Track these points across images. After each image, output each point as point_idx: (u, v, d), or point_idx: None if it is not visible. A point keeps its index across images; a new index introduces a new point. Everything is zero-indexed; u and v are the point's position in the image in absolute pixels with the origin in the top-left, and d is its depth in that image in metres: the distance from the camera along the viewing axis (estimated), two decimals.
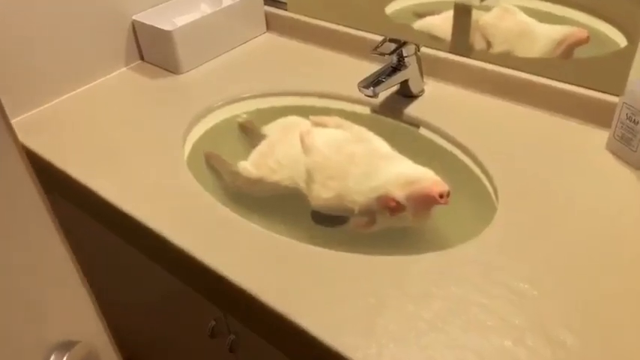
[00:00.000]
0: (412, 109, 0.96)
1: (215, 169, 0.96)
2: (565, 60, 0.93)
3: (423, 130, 0.94)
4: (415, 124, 0.95)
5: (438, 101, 0.97)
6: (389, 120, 0.98)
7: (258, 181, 0.88)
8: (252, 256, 0.70)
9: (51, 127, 0.99)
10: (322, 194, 0.81)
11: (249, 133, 1.01)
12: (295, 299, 0.64)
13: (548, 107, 0.91)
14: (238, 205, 0.90)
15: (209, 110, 1.01)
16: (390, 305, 0.63)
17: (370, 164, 0.80)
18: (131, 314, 1.18)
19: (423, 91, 0.98)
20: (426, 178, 0.76)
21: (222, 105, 1.02)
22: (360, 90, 0.89)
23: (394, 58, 0.92)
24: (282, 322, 0.63)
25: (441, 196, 0.73)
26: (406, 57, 0.92)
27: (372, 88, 0.88)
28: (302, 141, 0.86)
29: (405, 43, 0.90)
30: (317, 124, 0.90)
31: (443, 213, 0.80)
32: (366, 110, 1.00)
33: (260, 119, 1.02)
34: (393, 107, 0.97)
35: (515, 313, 0.61)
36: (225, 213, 0.78)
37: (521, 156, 0.83)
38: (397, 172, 0.78)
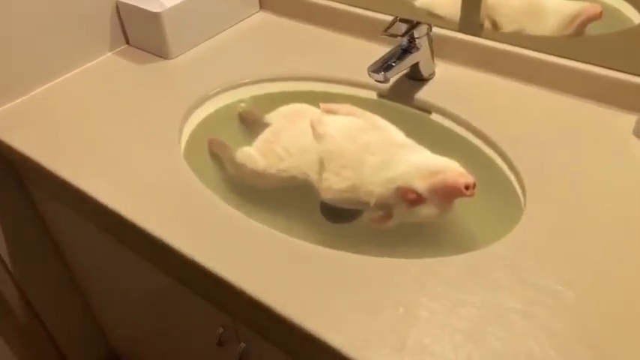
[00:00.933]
0: (423, 94, 0.90)
1: (218, 158, 0.90)
2: (582, 37, 0.88)
3: (435, 116, 0.89)
4: (426, 109, 0.89)
5: (450, 84, 0.91)
6: (398, 105, 0.92)
7: (264, 171, 0.82)
8: (263, 262, 0.65)
9: (32, 121, 0.91)
10: (335, 185, 0.76)
11: (250, 123, 0.94)
12: (319, 312, 0.59)
13: (567, 89, 0.86)
14: (242, 200, 0.84)
15: (204, 99, 0.94)
16: (421, 315, 0.58)
17: (387, 153, 0.75)
18: (132, 321, 1.12)
19: (433, 73, 0.92)
20: (450, 168, 0.71)
21: (218, 92, 0.95)
22: (370, 75, 0.83)
23: (404, 39, 0.86)
24: (306, 338, 0.58)
25: (467, 188, 0.68)
26: (417, 38, 0.85)
27: (382, 73, 0.82)
28: (314, 128, 0.80)
29: (417, 24, 0.84)
30: (327, 112, 0.84)
31: (464, 207, 0.75)
32: (372, 95, 0.94)
33: (259, 107, 0.95)
34: (402, 91, 0.91)
35: (555, 319, 0.57)
36: (230, 212, 0.72)
37: (544, 143, 0.78)
38: (417, 161, 0.73)
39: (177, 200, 0.74)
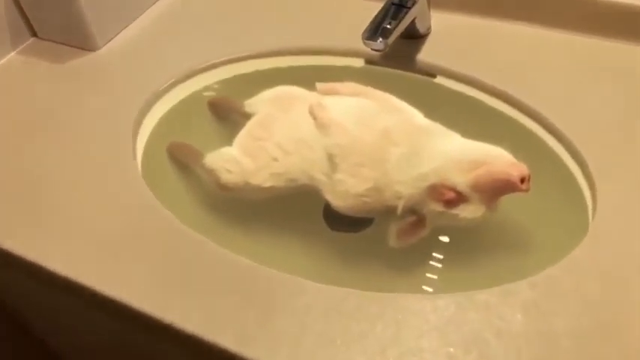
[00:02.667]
0: (422, 54, 0.75)
1: (186, 166, 0.73)
2: None
3: (441, 80, 0.74)
4: (430, 72, 0.75)
5: (452, 39, 0.76)
6: (394, 72, 0.77)
7: (254, 176, 0.65)
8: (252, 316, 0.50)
9: None
10: (353, 188, 0.60)
11: (226, 113, 0.76)
12: None
13: (587, 28, 0.73)
14: (227, 220, 0.68)
15: (156, 95, 0.74)
16: None
17: (412, 142, 0.60)
18: None
19: (430, 28, 0.77)
20: (496, 156, 0.58)
21: (173, 84, 0.76)
22: (365, 44, 0.67)
23: None
24: None
25: (522, 181, 0.55)
26: None
27: (380, 39, 0.66)
28: (315, 116, 0.64)
29: None
30: (327, 93, 0.68)
31: (509, 205, 0.62)
32: (359, 62, 0.78)
33: (232, 94, 0.77)
34: (396, 55, 0.76)
35: None
36: (212, 248, 0.56)
37: (588, 101, 0.66)
38: (452, 151, 0.59)
39: (139, 249, 0.57)
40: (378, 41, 0.66)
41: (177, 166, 0.74)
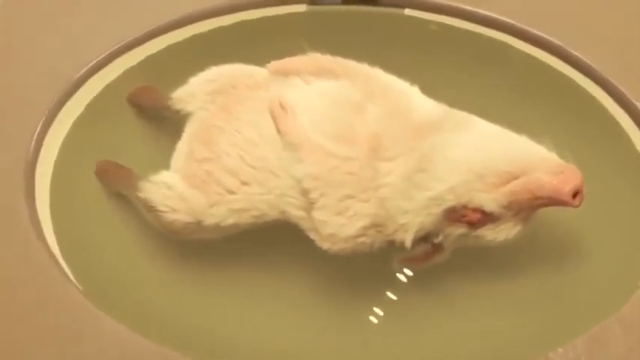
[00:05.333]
0: None
1: (119, 193, 0.56)
2: None
3: (411, 12, 0.58)
4: (396, 3, 0.58)
5: None
6: (352, 10, 0.59)
7: (206, 215, 0.50)
8: None
9: None
10: (342, 231, 0.46)
11: (151, 108, 0.59)
12: None
13: None
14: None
15: (50, 111, 0.54)
16: None
17: (413, 151, 0.45)
18: None
19: None
20: (537, 162, 0.43)
21: (66, 94, 0.56)
22: (316, 2, 0.49)
23: None
24: None
25: (575, 195, 0.42)
26: None
27: None
28: (278, 129, 0.47)
29: None
30: (280, 73, 0.51)
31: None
32: (301, 7, 0.59)
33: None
34: None
35: None
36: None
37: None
38: (473, 157, 0.44)
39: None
40: None
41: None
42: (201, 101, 0.53)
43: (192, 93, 0.54)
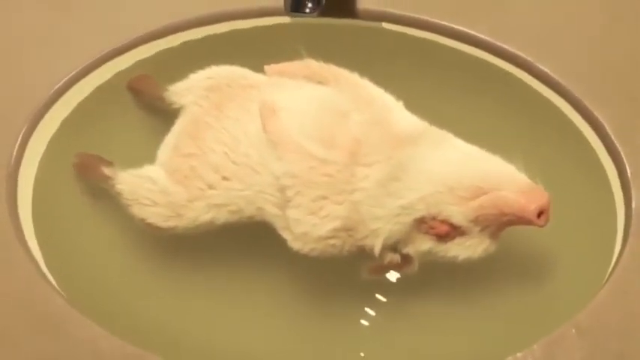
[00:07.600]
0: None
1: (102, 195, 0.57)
2: None
3: (389, 26, 0.60)
4: (373, 17, 0.60)
5: None
6: (330, 23, 0.61)
7: (185, 209, 0.52)
8: None
9: None
10: (314, 230, 0.48)
11: (148, 98, 0.61)
12: None
13: None
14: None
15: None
16: None
17: (390, 160, 0.47)
18: None
19: None
20: (505, 180, 0.45)
21: (52, 99, 0.56)
22: (292, 16, 0.51)
23: None
24: None
25: (540, 215, 0.44)
26: None
27: (309, 5, 0.50)
28: (264, 127, 0.49)
29: None
30: (277, 74, 0.54)
31: None
32: (283, 19, 0.61)
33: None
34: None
35: None
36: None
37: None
38: (445, 171, 0.46)
39: None
40: (308, 7, 0.51)
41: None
42: (195, 96, 0.55)
43: (190, 87, 0.56)
